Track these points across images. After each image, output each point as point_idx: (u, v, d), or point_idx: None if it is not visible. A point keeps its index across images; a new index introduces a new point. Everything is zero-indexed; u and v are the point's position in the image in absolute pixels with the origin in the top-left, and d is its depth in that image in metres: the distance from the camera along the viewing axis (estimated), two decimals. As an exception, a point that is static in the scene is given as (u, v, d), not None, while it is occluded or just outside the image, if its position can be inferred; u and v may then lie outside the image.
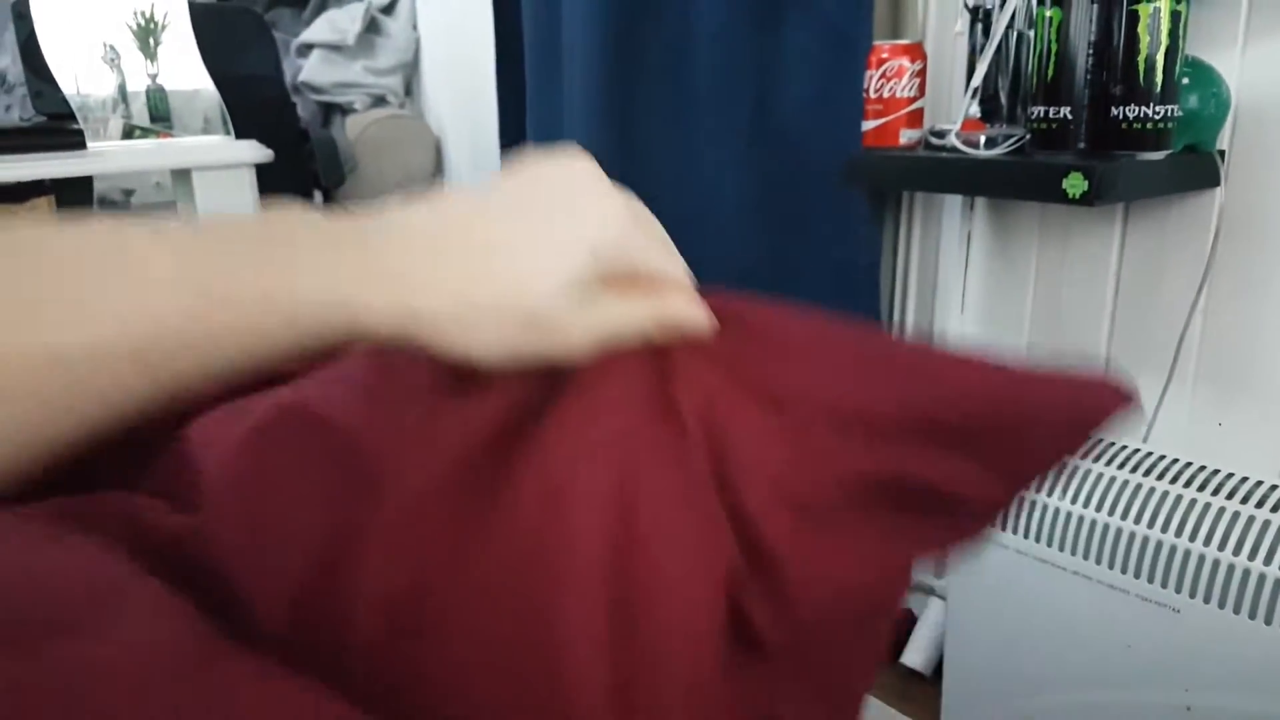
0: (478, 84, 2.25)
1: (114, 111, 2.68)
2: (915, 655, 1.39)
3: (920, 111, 1.19)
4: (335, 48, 2.57)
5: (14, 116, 2.37)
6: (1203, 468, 1.02)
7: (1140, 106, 0.99)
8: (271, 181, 1.90)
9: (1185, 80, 1.00)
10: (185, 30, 2.24)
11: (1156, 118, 0.98)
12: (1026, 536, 1.09)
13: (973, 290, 1.31)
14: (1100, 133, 1.02)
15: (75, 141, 1.72)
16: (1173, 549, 0.98)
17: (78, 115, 2.02)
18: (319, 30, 2.59)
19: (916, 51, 1.17)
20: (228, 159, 1.79)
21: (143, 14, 2.51)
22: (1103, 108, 1.01)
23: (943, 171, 1.13)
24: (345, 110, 2.61)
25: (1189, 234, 1.09)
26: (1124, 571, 1.01)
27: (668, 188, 1.47)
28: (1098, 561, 1.03)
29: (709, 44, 1.37)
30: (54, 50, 2.07)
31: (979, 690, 1.20)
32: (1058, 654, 1.10)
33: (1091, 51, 1.00)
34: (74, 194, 1.95)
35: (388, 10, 2.67)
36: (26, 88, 2.14)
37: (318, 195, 2.40)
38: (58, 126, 1.79)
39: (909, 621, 1.45)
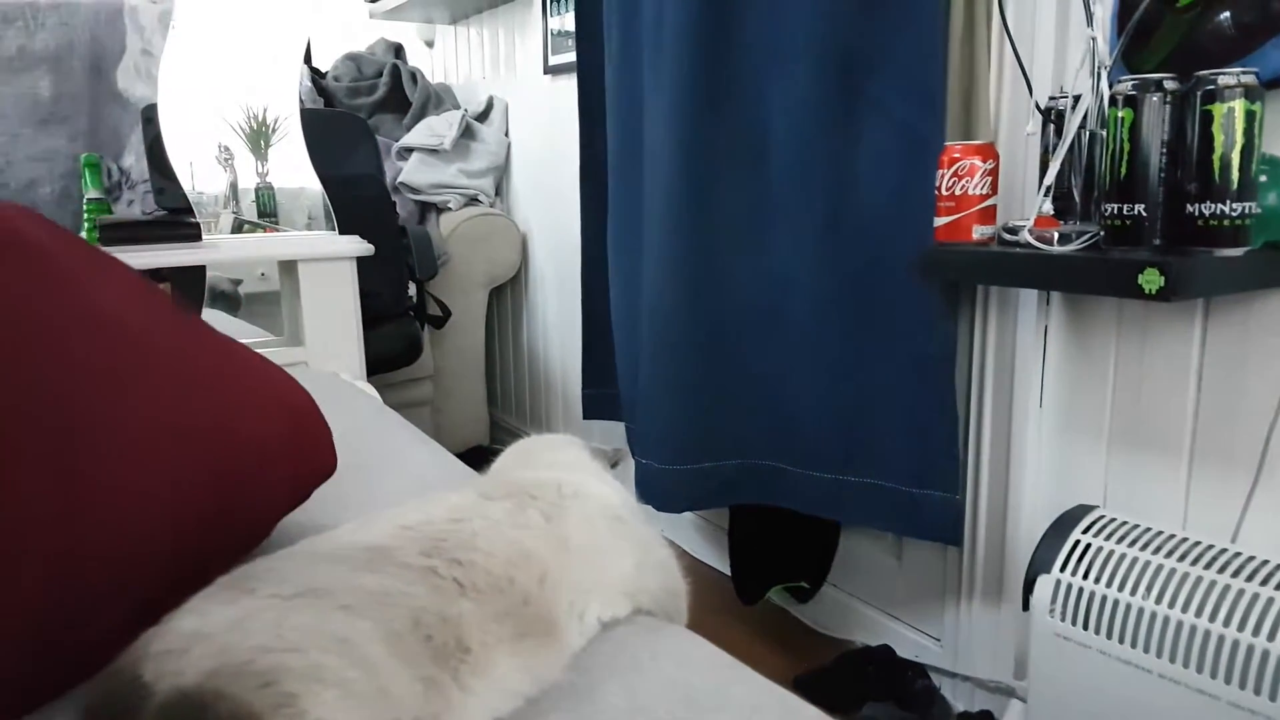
0: (563, 186, 2.35)
1: (225, 207, 2.86)
2: (995, 760, 1.34)
3: (993, 208, 1.21)
4: (433, 151, 2.71)
5: (136, 211, 2.54)
6: (1293, 569, 0.99)
7: (1216, 203, 1.00)
8: (371, 273, 2.00)
9: (1263, 178, 1.01)
10: (293, 133, 2.39)
11: (1234, 214, 0.99)
12: (1110, 637, 1.06)
13: (1051, 385, 1.31)
14: (1176, 229, 1.03)
15: (193, 234, 1.84)
16: (1265, 654, 0.95)
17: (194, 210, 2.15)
18: (418, 135, 2.75)
19: (988, 151, 1.20)
20: (331, 252, 1.89)
21: (255, 118, 2.69)
22: (1178, 205, 1.02)
23: (1017, 266, 1.15)
24: (440, 209, 2.74)
25: (1272, 331, 1.08)
26: (1214, 676, 0.98)
27: (744, 284, 1.51)
28: (1185, 665, 1.00)
29: (784, 146, 1.42)
30: (174, 150, 2.23)
31: (1062, 798, 1.15)
32: (1144, 761, 1.06)
33: (1165, 150, 1.02)
34: (189, 281, 2.07)
35: (482, 117, 2.81)
36: (150, 184, 2.30)
37: (412, 286, 2.50)
38: (177, 220, 1.92)
39: (988, 724, 1.41)
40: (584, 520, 0.70)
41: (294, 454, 0.76)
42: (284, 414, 0.76)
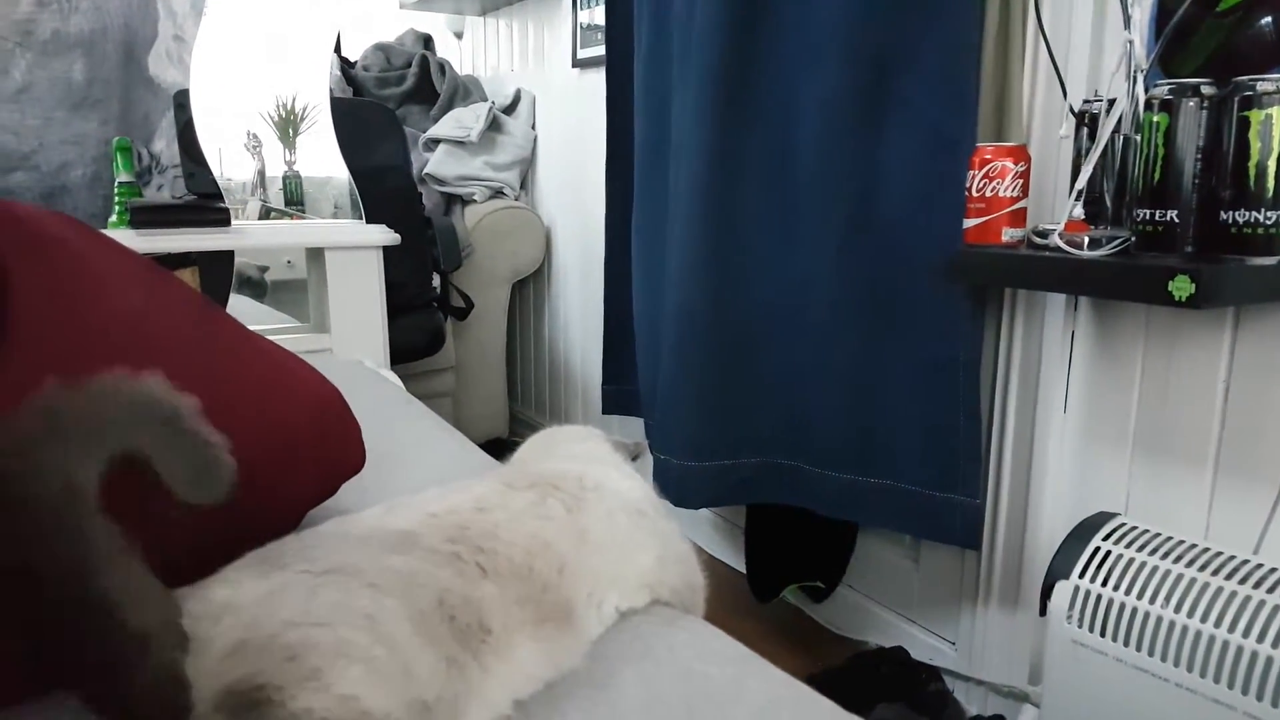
0: (588, 181, 2.36)
1: (253, 194, 2.88)
2: (1008, 766, 1.34)
3: (1023, 211, 1.21)
4: (459, 143, 2.72)
5: (165, 195, 2.56)
6: (1317, 581, 0.98)
7: (1251, 211, 0.99)
8: (396, 264, 2.01)
9: (1299, 187, 1.00)
10: (322, 122, 2.41)
11: (1268, 223, 0.98)
12: (1127, 645, 1.05)
13: (1076, 391, 1.30)
14: (1208, 236, 1.02)
15: (222, 219, 1.86)
16: (1285, 666, 0.94)
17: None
18: (445, 127, 2.76)
19: (1020, 154, 1.20)
20: (358, 241, 1.91)
21: (284, 106, 2.71)
22: (1211, 212, 1.02)
23: (1046, 270, 1.15)
24: (465, 201, 2.75)
25: (1303, 342, 1.08)
26: (1230, 687, 0.97)
27: (768, 283, 1.51)
28: (1202, 675, 0.99)
29: (812, 144, 1.42)
30: (203, 136, 2.25)
31: (1075, 805, 1.15)
32: (1160, 771, 1.05)
33: (1200, 156, 1.01)
34: (217, 267, 2.09)
35: (509, 110, 2.82)
36: (180, 169, 2.32)
37: (436, 277, 2.52)
38: (206, 205, 1.93)
39: (1002, 729, 1.40)
40: (604, 513, 0.71)
41: (322, 447, 0.76)
42: (311, 408, 0.77)
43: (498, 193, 2.77)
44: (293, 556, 0.55)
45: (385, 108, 2.72)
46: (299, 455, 0.73)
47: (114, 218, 1.98)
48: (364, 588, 0.52)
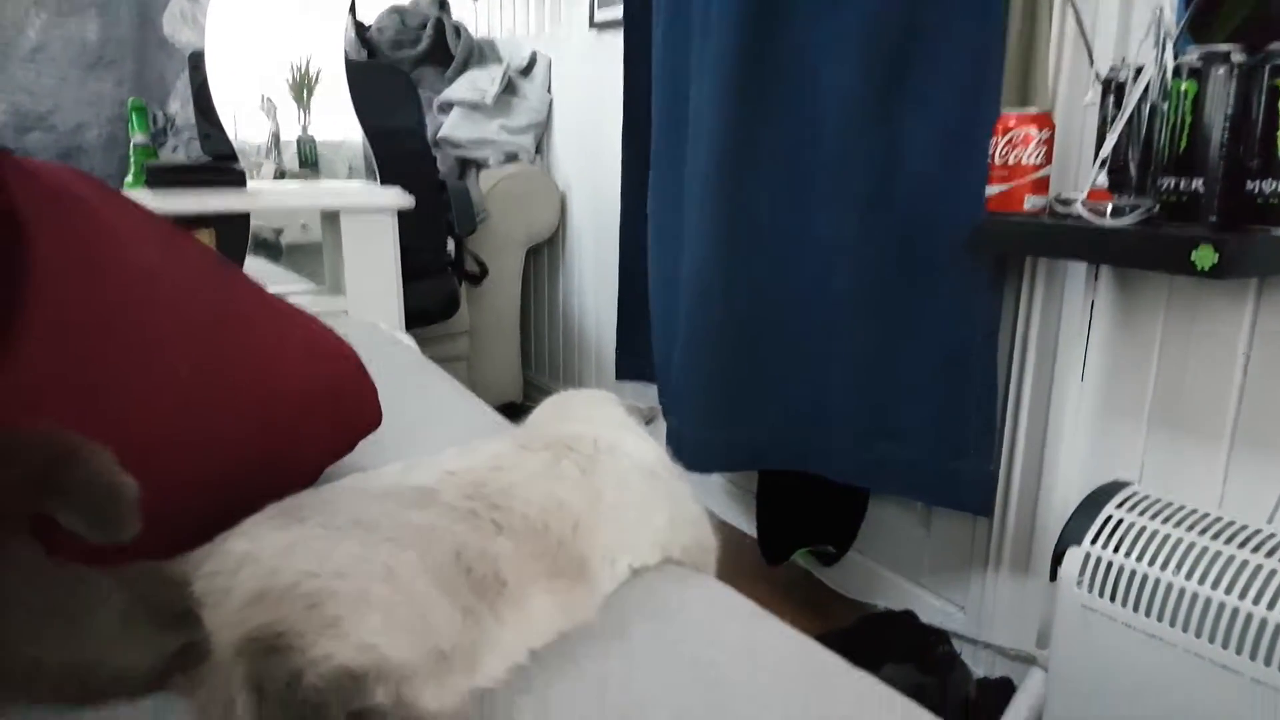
0: (604, 146, 2.34)
1: (267, 157, 2.88)
2: (1015, 730, 1.35)
3: (1046, 179, 1.19)
4: (474, 106, 2.71)
5: (180, 157, 2.57)
6: (1330, 552, 0.98)
7: (1277, 182, 0.98)
8: (410, 228, 2.01)
9: (1327, 157, 0.99)
10: (335, 85, 2.40)
11: (1293, 193, 0.97)
12: (1137, 610, 1.06)
13: (1094, 360, 1.29)
14: (1233, 207, 1.01)
15: (237, 180, 1.86)
16: (1295, 633, 0.94)
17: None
18: (460, 89, 2.74)
19: (1045, 120, 1.18)
20: (374, 203, 1.91)
21: (298, 69, 2.70)
22: (1237, 181, 1.01)
23: (1068, 238, 1.14)
24: (480, 165, 2.74)
25: (1324, 313, 1.07)
26: (1239, 653, 0.98)
27: (786, 250, 1.50)
28: (1211, 640, 1.00)
29: (834, 109, 1.40)
30: (217, 98, 2.24)
31: (1080, 769, 1.16)
32: (1165, 736, 1.06)
33: (1228, 125, 1.00)
34: (233, 228, 2.09)
35: (525, 73, 2.80)
36: (195, 131, 2.32)
37: (450, 241, 2.51)
38: (222, 166, 1.93)
39: (1008, 690, 1.41)
40: (619, 474, 0.71)
41: (339, 406, 0.77)
42: (328, 367, 0.78)
43: (512, 157, 2.76)
44: (311, 510, 0.55)
45: (400, 70, 2.71)
46: (315, 412, 0.74)
47: (130, 178, 1.98)
48: (382, 541, 0.52)
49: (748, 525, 1.95)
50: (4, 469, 0.46)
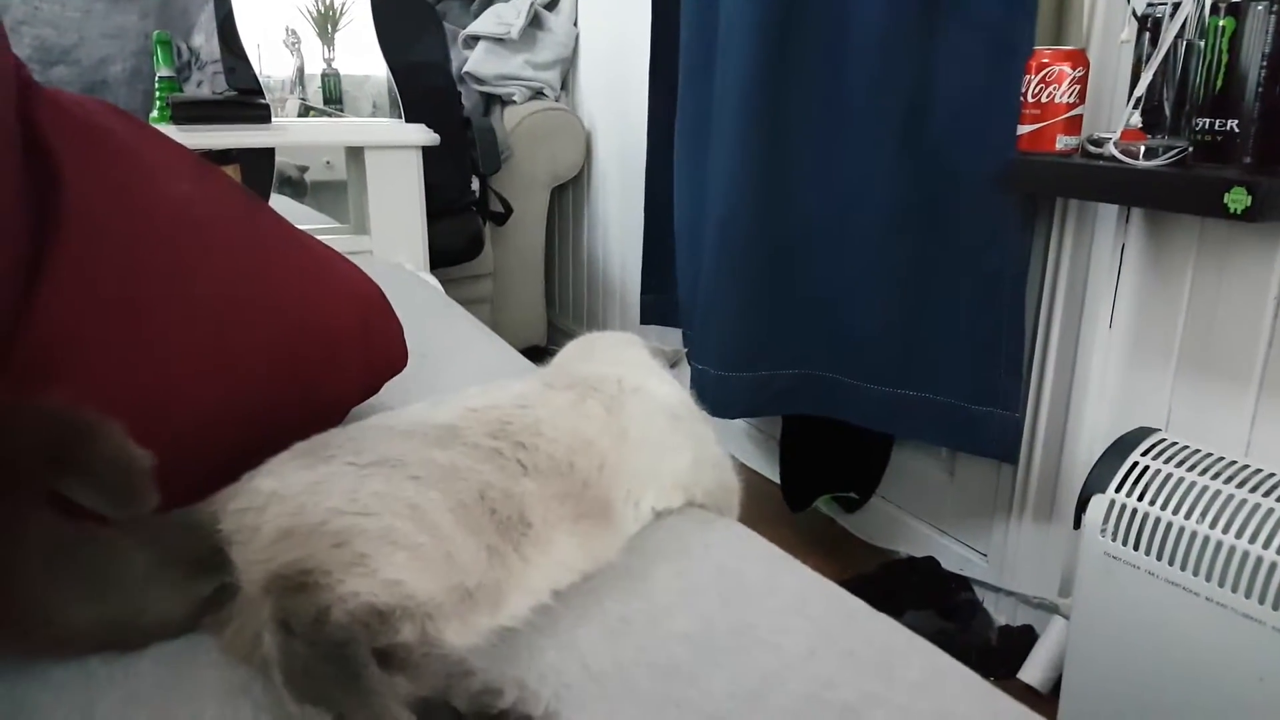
0: (631, 83, 2.31)
1: (291, 92, 2.86)
2: (1034, 672, 1.36)
3: (1079, 118, 1.17)
4: (499, 40, 2.67)
5: (205, 91, 2.55)
6: (1358, 501, 0.97)
7: (1315, 123, 0.96)
8: (434, 166, 2.00)
9: (1368, 97, 0.96)
10: (360, 19, 2.37)
11: (1333, 135, 0.95)
12: (1160, 558, 1.06)
13: (1123, 305, 1.28)
14: (1269, 148, 0.99)
15: (262, 115, 1.85)
16: (1318, 583, 0.94)
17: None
18: (485, 23, 2.71)
19: (1079, 58, 1.16)
20: (399, 140, 1.90)
21: (323, 2, 2.67)
22: (1274, 122, 0.98)
23: (1099, 180, 1.12)
24: (505, 101, 2.71)
25: (1361, 259, 1.05)
26: (1261, 601, 0.98)
27: (814, 191, 1.48)
28: (1234, 589, 1.00)
29: (866, 44, 1.37)
30: (242, 32, 2.22)
31: (1097, 713, 1.17)
32: (1183, 681, 1.06)
33: (1265, 64, 0.98)
34: (258, 164, 2.10)
35: (551, 6, 2.76)
36: (221, 64, 2.30)
37: (475, 181, 2.50)
38: (247, 100, 1.92)
39: (1030, 638, 1.42)
40: (643, 414, 0.71)
41: (366, 344, 0.77)
42: (355, 304, 0.78)
43: (538, 93, 2.73)
44: (337, 449, 0.56)
45: (425, 2, 2.67)
46: (342, 351, 0.75)
47: (154, 113, 1.98)
48: (408, 479, 0.53)
49: (771, 471, 1.96)
50: (15, 445, 0.47)
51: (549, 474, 0.60)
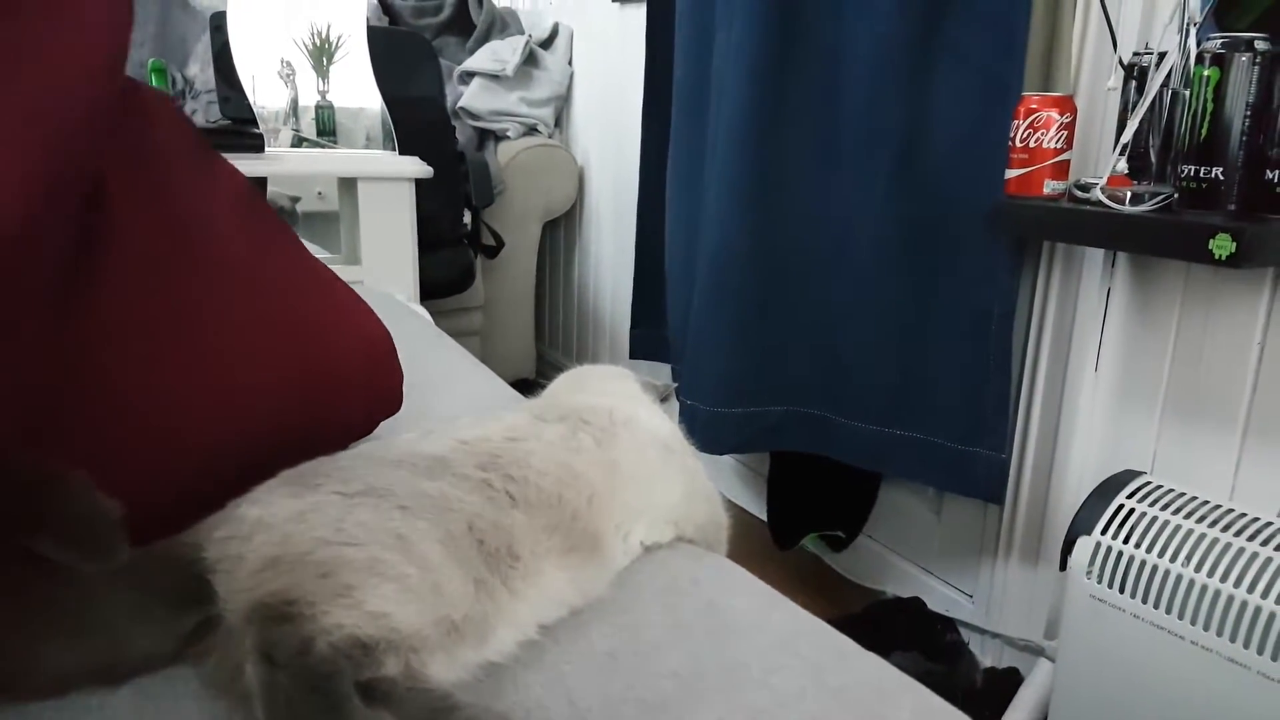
0: (624, 120, 2.33)
1: (285, 123, 2.87)
2: (1019, 716, 1.35)
3: (1066, 164, 1.19)
4: (495, 77, 2.70)
5: (200, 120, 2.56)
6: (1342, 547, 0.97)
7: (1298, 171, 0.97)
8: (427, 198, 2.00)
9: (1349, 148, 0.98)
10: (355, 52, 2.39)
11: (1315, 184, 0.96)
12: (1146, 602, 1.06)
13: (1109, 348, 1.29)
14: (1253, 195, 1.01)
15: (256, 144, 1.86)
16: (1304, 628, 0.94)
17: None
18: (481, 59, 2.73)
19: (1067, 104, 1.17)
20: (392, 171, 1.91)
21: (319, 34, 2.69)
22: (1257, 170, 1.00)
23: (1086, 224, 1.13)
24: (499, 137, 2.73)
25: (1344, 307, 1.06)
26: (1247, 647, 0.98)
27: (806, 228, 1.50)
28: (1220, 634, 1.00)
29: (858, 85, 1.40)
30: (237, 62, 2.23)
31: (1083, 757, 1.16)
32: (1170, 727, 1.06)
33: (1249, 113, 0.99)
34: (250, 194, 2.09)
35: (547, 44, 2.79)
36: (216, 94, 2.31)
37: (467, 213, 2.51)
38: (241, 130, 1.93)
39: (1015, 680, 1.42)
40: (634, 447, 0.71)
41: (369, 388, 0.77)
42: (366, 349, 0.78)
43: (532, 129, 2.75)
44: (325, 477, 0.56)
45: (421, 38, 2.69)
46: (347, 395, 0.74)
47: (150, 142, 1.98)
48: (395, 509, 0.53)
49: (758, 508, 1.95)
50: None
51: (538, 506, 0.59)
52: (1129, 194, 1.08)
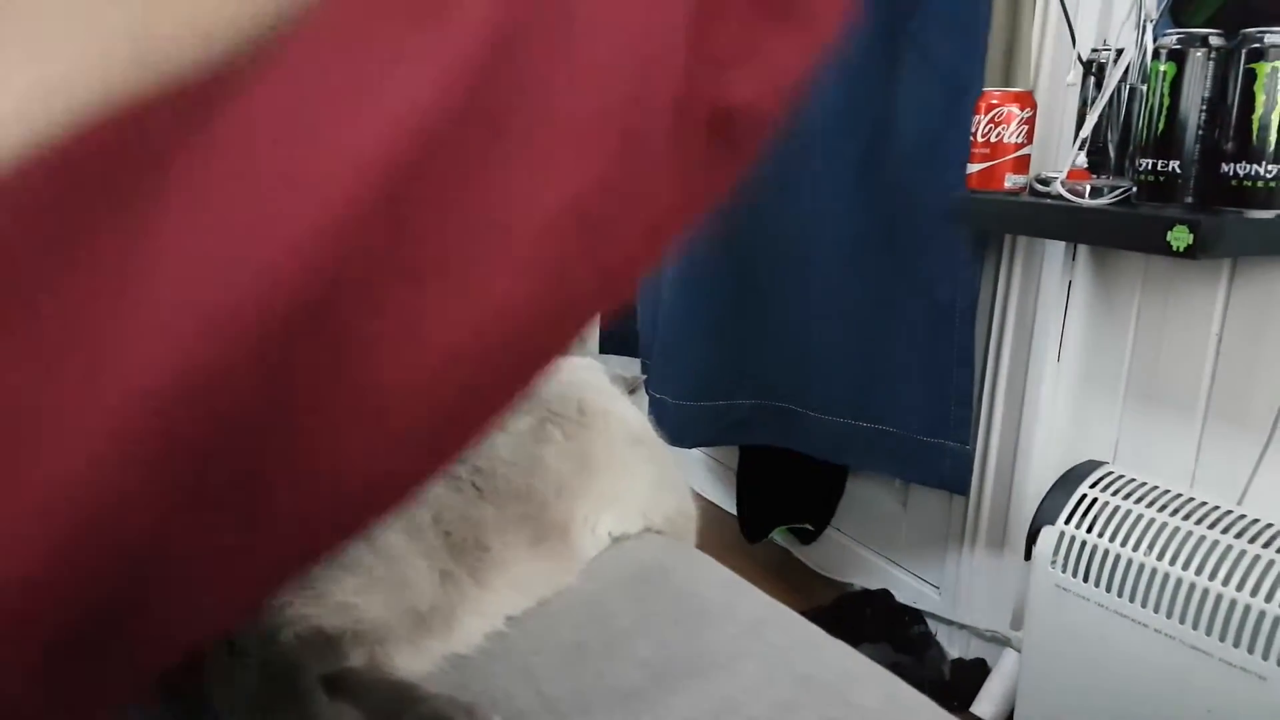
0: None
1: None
2: (987, 706, 1.37)
3: (1027, 158, 1.20)
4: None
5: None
6: (1298, 533, 0.99)
7: (1252, 164, 0.99)
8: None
9: (1302, 141, 1.00)
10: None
11: (1268, 176, 0.98)
12: (1109, 590, 1.07)
13: (1071, 339, 1.31)
14: (1209, 188, 1.02)
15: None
16: (1262, 614, 0.96)
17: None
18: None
19: (1027, 99, 1.19)
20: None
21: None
22: (1213, 163, 1.01)
23: (1046, 217, 1.14)
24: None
25: (1297, 296, 1.08)
26: (1208, 634, 0.99)
27: (773, 223, 1.50)
28: (1182, 621, 1.01)
29: (828, 79, 1.40)
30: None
31: (1050, 745, 1.18)
32: (1133, 714, 1.07)
33: (1205, 107, 1.01)
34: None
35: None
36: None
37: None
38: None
39: (982, 671, 1.43)
40: (604, 438, 0.71)
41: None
42: None
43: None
44: None
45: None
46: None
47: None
48: None
49: (727, 502, 1.96)
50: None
51: (506, 498, 0.59)
52: (1089, 187, 1.09)
